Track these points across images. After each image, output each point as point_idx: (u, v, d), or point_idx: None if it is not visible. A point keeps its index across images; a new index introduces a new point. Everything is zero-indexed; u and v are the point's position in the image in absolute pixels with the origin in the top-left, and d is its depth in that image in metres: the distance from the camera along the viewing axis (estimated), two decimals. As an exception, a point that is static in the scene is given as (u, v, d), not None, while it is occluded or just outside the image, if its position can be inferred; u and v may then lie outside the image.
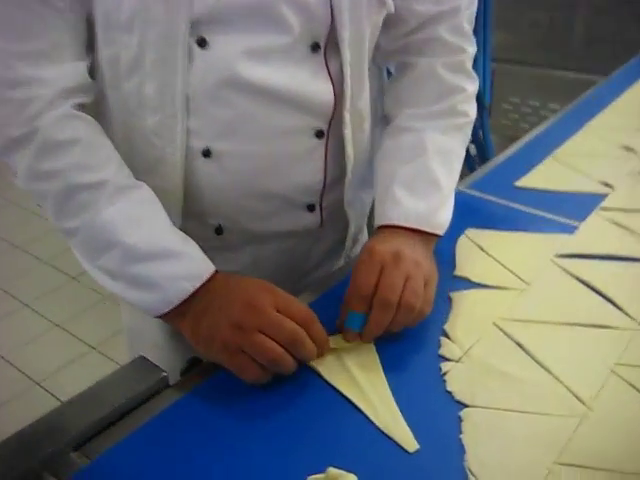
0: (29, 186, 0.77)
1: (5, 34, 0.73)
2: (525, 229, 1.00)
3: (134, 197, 0.77)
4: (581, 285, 0.87)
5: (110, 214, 0.74)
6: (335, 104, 0.84)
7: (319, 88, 0.82)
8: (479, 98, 2.34)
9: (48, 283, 2.73)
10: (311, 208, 0.92)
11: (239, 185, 0.85)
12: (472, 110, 0.96)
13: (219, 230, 0.90)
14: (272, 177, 0.86)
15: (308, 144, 0.86)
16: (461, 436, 0.65)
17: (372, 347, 0.77)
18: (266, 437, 0.66)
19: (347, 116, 0.86)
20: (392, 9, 0.85)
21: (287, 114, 0.82)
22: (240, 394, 0.72)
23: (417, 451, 0.64)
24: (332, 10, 0.77)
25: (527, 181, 1.14)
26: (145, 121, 0.80)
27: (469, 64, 0.94)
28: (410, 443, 0.65)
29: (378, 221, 0.87)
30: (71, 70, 0.76)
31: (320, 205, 0.93)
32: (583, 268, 0.90)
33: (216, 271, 0.76)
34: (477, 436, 0.65)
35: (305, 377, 0.73)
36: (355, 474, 0.60)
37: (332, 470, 0.61)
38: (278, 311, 0.70)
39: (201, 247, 0.80)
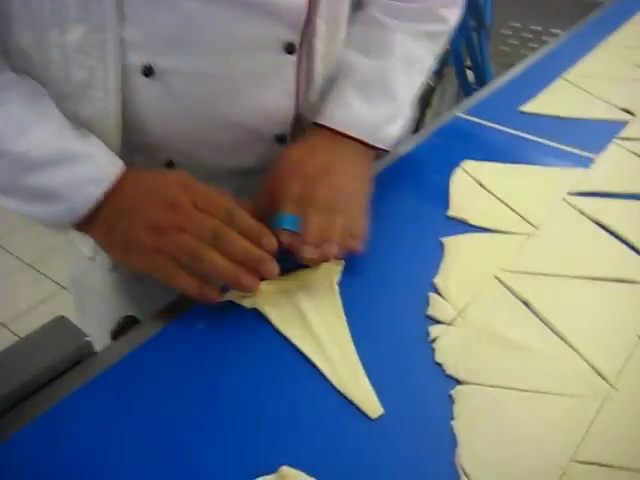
0: None
1: None
2: (532, 162, 0.84)
3: (21, 98, 0.63)
4: (600, 229, 0.72)
5: None
6: (309, 9, 0.67)
7: None
8: (479, 16, 2.16)
9: (18, 220, 2.57)
10: (281, 139, 0.77)
11: (191, 112, 0.69)
12: (452, 18, 0.82)
13: (169, 166, 0.75)
14: (232, 102, 0.70)
15: (276, 61, 0.70)
16: (452, 423, 0.52)
17: (335, 290, 0.64)
18: (208, 418, 0.52)
19: (322, 25, 0.70)
20: None
21: (249, 21, 0.65)
22: (180, 361, 0.58)
23: (395, 442, 0.50)
24: None
25: (534, 106, 0.98)
26: (65, 36, 0.62)
27: None
28: (373, 408, 0.53)
29: (317, 118, 0.74)
30: None
31: (292, 136, 0.77)
32: (602, 209, 0.75)
33: (126, 169, 0.65)
34: (472, 424, 0.51)
35: (255, 332, 0.60)
36: (314, 476, 0.47)
37: (285, 469, 0.47)
38: (198, 209, 0.62)
39: None
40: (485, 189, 0.79)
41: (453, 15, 0.82)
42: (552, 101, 0.99)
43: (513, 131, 0.92)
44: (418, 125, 2.07)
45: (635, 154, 0.85)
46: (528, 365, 0.56)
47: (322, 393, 0.54)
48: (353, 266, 0.67)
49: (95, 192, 0.62)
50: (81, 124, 0.67)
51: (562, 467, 0.48)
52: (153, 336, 0.61)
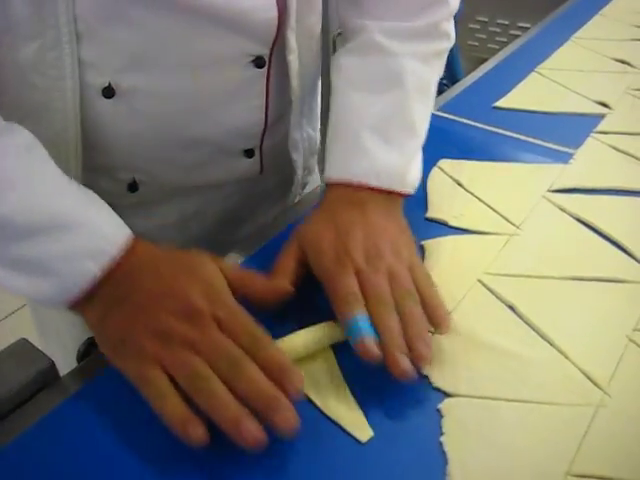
0: None
1: None
2: (510, 158, 0.82)
3: (10, 149, 0.54)
4: (583, 227, 0.70)
5: None
6: (279, 22, 0.63)
7: (258, 1, 0.61)
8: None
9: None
10: (249, 154, 0.73)
11: (155, 132, 0.65)
12: (453, 32, 0.74)
13: (133, 186, 0.70)
14: (199, 120, 0.66)
15: (244, 76, 0.66)
16: (442, 439, 0.49)
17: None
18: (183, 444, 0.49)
19: (292, 38, 0.66)
20: None
21: (215, 36, 0.61)
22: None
23: (385, 462, 0.48)
24: None
25: (509, 101, 0.96)
26: (18, 52, 0.57)
27: None
28: (363, 432, 0.50)
29: (337, 173, 0.65)
30: None
31: (260, 149, 0.74)
32: (583, 205, 0.73)
33: (136, 241, 0.55)
34: (462, 439, 0.49)
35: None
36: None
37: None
38: (219, 326, 0.50)
39: (112, 205, 0.59)
40: (463, 188, 0.76)
41: (452, 28, 0.74)
42: (527, 96, 0.97)
43: (489, 127, 0.90)
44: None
45: (614, 148, 0.84)
46: (517, 374, 0.54)
47: (311, 416, 0.51)
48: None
49: (91, 267, 0.52)
50: (43, 143, 0.60)
51: (558, 482, 0.46)
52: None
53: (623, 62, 1.07)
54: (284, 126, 0.75)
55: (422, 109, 0.69)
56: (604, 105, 0.94)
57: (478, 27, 2.83)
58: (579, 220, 0.71)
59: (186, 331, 0.49)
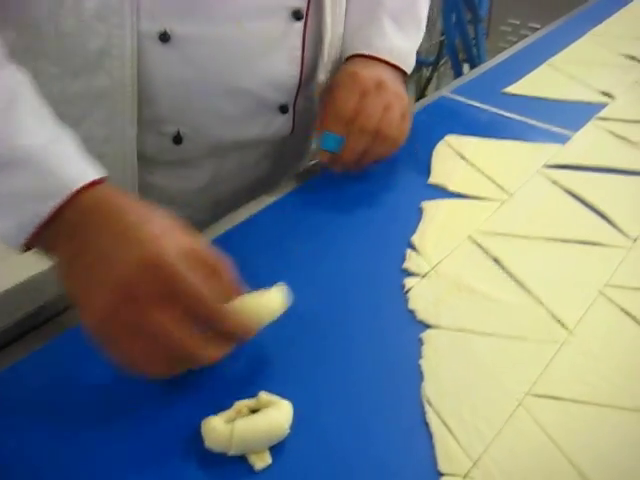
0: None
1: None
2: (513, 138, 0.88)
3: None
4: (571, 198, 0.76)
5: None
6: None
7: None
8: (474, 10, 2.20)
9: None
10: (284, 109, 0.80)
11: (203, 79, 0.72)
12: None
13: (177, 139, 0.76)
14: (242, 68, 0.73)
15: (284, 27, 0.73)
16: (420, 361, 0.56)
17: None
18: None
19: None
20: None
21: None
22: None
23: (366, 378, 0.55)
24: None
25: (517, 88, 1.02)
26: (82, 3, 0.63)
27: None
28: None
29: (359, 47, 0.81)
30: None
31: (294, 106, 0.81)
32: (574, 180, 0.79)
33: (94, 182, 0.52)
34: (438, 361, 0.56)
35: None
36: (290, 400, 0.51)
37: (263, 395, 0.51)
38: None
39: (154, 162, 0.68)
40: (465, 160, 0.83)
41: None
42: (535, 84, 1.03)
43: (496, 110, 0.96)
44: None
45: (611, 132, 0.90)
46: (494, 313, 0.60)
47: (301, 328, 0.58)
48: (337, 224, 0.72)
49: (40, 208, 0.50)
50: (95, 97, 0.68)
51: (518, 399, 0.52)
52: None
53: (632, 58, 1.12)
54: (315, 84, 0.82)
55: (426, 7, 0.87)
56: (608, 95, 1.00)
57: (509, 30, 2.88)
58: (568, 192, 0.77)
59: (130, 313, 0.47)
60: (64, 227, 0.51)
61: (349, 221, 0.73)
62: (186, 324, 0.48)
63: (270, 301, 0.54)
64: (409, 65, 0.83)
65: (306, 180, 0.81)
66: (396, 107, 0.76)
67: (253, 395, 0.51)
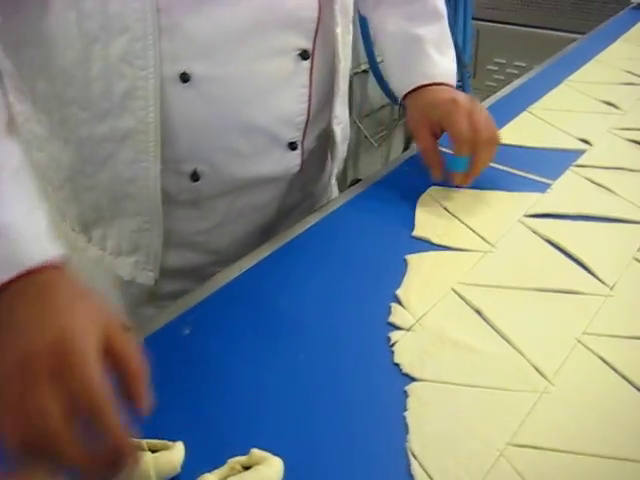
0: None
1: None
2: (495, 188, 0.92)
3: None
4: (550, 247, 0.79)
5: None
6: (319, 16, 0.78)
7: (302, 1, 0.77)
8: (458, 57, 2.26)
9: None
10: (293, 146, 0.85)
11: (220, 116, 0.76)
12: None
13: (195, 176, 0.80)
14: (255, 105, 0.79)
15: (293, 66, 0.79)
16: (405, 414, 0.58)
17: None
18: (182, 414, 0.59)
19: (339, 14, 0.82)
20: None
21: (270, 31, 0.76)
22: (173, 364, 0.64)
23: (354, 428, 0.57)
24: None
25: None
26: (108, 49, 0.70)
27: None
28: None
29: (417, 80, 0.94)
30: None
31: (302, 143, 0.86)
32: (554, 228, 0.82)
33: (48, 263, 0.53)
34: (423, 414, 0.58)
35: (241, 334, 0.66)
36: (281, 457, 0.53)
37: (255, 452, 0.54)
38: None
39: (172, 202, 0.75)
40: (448, 212, 0.86)
41: None
42: (517, 132, 1.07)
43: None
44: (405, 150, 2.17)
45: (589, 180, 0.93)
46: (476, 365, 0.63)
47: (289, 384, 0.61)
48: (323, 277, 0.75)
49: None
50: (120, 138, 0.74)
51: (499, 450, 0.55)
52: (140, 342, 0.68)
53: (609, 104, 1.17)
54: (322, 121, 0.89)
55: (448, 28, 0.99)
56: (586, 142, 1.04)
57: (496, 69, 2.95)
58: (548, 241, 0.80)
59: (18, 385, 0.46)
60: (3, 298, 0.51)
61: (335, 274, 0.76)
62: (69, 413, 0.44)
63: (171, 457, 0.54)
64: (455, 82, 0.96)
65: (292, 236, 0.84)
66: (482, 111, 0.89)
67: (246, 452, 0.54)
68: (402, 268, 0.76)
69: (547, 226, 0.83)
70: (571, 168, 0.97)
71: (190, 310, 0.71)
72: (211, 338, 0.67)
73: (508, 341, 0.66)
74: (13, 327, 0.49)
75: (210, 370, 0.64)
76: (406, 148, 2.21)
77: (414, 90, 0.94)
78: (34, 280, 0.52)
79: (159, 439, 0.55)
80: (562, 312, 0.70)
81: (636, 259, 0.77)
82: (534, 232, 0.82)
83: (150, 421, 0.56)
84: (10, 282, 0.51)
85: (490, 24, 2.88)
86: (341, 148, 0.96)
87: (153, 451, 0.54)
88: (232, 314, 0.70)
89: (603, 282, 0.73)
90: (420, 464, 0.54)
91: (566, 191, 0.91)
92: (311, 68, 0.81)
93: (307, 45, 0.79)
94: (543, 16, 2.83)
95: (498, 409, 0.59)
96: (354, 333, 0.68)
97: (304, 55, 0.79)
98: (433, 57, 0.94)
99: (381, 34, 0.99)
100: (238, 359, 0.64)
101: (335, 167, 0.99)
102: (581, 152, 1.01)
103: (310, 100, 0.83)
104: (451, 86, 0.94)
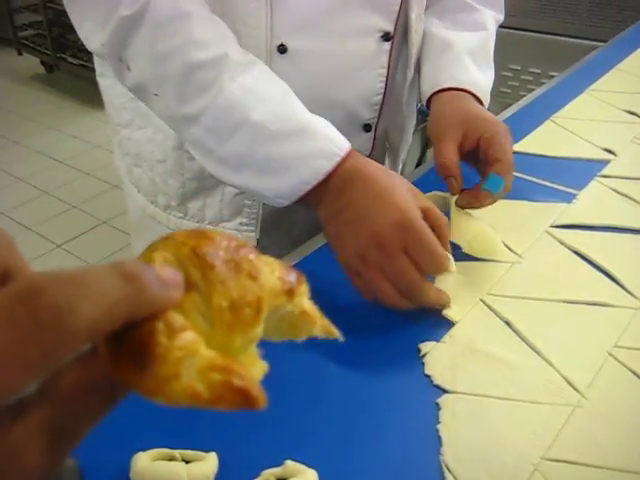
0: (145, 75, 0.73)
1: None
2: (520, 197, 0.91)
3: (256, 73, 0.72)
4: (579, 258, 0.79)
5: (234, 91, 0.69)
6: (401, 6, 0.85)
7: None
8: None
9: (31, 251, 2.67)
10: (367, 128, 0.91)
11: (309, 88, 0.79)
12: None
13: None
14: (340, 81, 0.85)
15: (375, 47, 0.86)
16: (438, 426, 0.58)
17: None
18: (216, 425, 0.59)
19: (414, 3, 0.87)
20: None
21: (359, 11, 0.82)
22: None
23: (388, 444, 0.57)
24: None
25: (523, 146, 1.06)
26: (237, 5, 0.76)
27: None
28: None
29: (446, 82, 0.89)
30: None
31: (375, 127, 0.92)
32: (581, 240, 0.82)
33: (352, 150, 0.71)
34: (455, 426, 0.58)
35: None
36: (315, 469, 0.53)
37: (290, 463, 0.54)
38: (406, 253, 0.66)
39: None
40: (475, 221, 0.86)
41: None
42: (540, 141, 1.07)
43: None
44: (420, 161, 2.16)
45: (614, 190, 0.93)
46: (507, 377, 0.63)
47: (321, 395, 0.61)
48: (353, 287, 0.75)
49: (326, 165, 0.68)
50: None
51: (534, 464, 0.55)
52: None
53: (632, 113, 1.16)
54: (396, 106, 0.95)
55: (492, 47, 0.96)
56: (610, 152, 1.03)
57: (511, 75, 2.95)
58: (576, 252, 0.80)
59: (377, 256, 0.66)
60: (332, 185, 0.69)
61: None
62: (419, 270, 0.66)
63: None
64: (487, 99, 0.91)
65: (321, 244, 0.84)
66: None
67: (280, 464, 0.54)
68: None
69: (574, 237, 0.82)
70: (596, 178, 0.96)
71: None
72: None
73: (539, 353, 0.66)
74: (354, 209, 0.67)
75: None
76: (425, 146, 2.20)
77: (441, 92, 0.89)
78: (351, 167, 0.69)
79: (192, 450, 0.55)
80: (592, 324, 0.70)
81: (665, 271, 0.76)
82: (561, 243, 0.82)
83: (183, 432, 0.57)
84: (336, 169, 0.68)
85: (505, 30, 2.88)
86: (405, 138, 1.02)
87: (187, 462, 0.54)
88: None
89: (632, 294, 0.73)
90: (454, 477, 0.53)
91: (591, 202, 0.90)
92: (390, 50, 0.87)
93: (390, 27, 0.85)
94: (558, 23, 2.83)
95: (531, 422, 0.58)
96: (384, 344, 0.67)
97: (386, 37, 0.85)
98: (466, 63, 0.90)
99: (424, 37, 0.96)
100: (270, 370, 0.64)
101: (400, 160, 1.06)
102: (606, 162, 1.01)
103: (387, 81, 0.88)
104: (481, 102, 0.89)
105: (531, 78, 2.90)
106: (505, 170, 0.80)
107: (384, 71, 0.88)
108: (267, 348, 0.60)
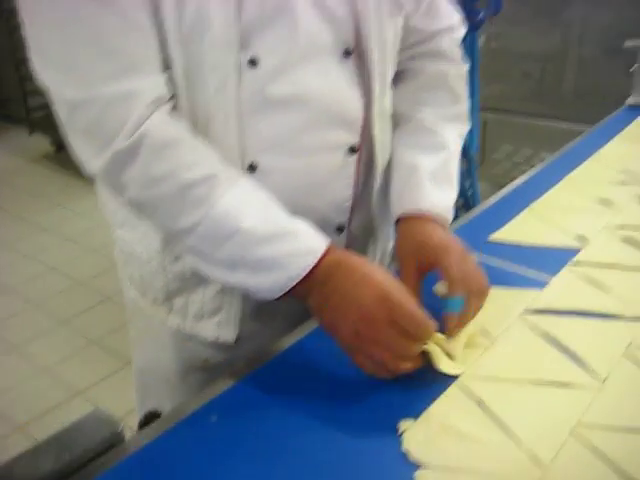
0: (141, 197, 0.80)
1: (98, 55, 0.75)
2: (495, 284, 0.99)
3: (242, 184, 0.80)
4: (548, 342, 0.86)
5: (225, 203, 0.77)
6: (365, 113, 0.92)
7: (352, 95, 0.90)
8: (465, 149, 2.38)
9: (37, 326, 2.73)
10: (340, 229, 0.98)
11: (281, 199, 0.84)
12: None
13: None
14: (311, 193, 0.92)
15: (343, 159, 0.93)
16: (414, 499, 0.64)
17: None
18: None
19: (376, 118, 0.94)
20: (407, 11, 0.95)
21: (326, 130, 0.89)
22: (200, 450, 0.71)
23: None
24: (357, 15, 0.86)
25: (502, 234, 1.14)
26: (212, 127, 0.83)
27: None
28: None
29: (405, 206, 0.95)
30: (160, 80, 0.79)
31: (348, 228, 0.99)
32: (551, 324, 0.89)
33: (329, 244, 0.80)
34: (429, 498, 0.64)
35: (264, 421, 0.72)
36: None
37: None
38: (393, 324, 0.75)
39: None
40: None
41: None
42: (517, 230, 1.15)
43: (482, 257, 1.07)
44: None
45: (585, 276, 1.00)
46: (476, 452, 0.69)
47: (303, 469, 0.67)
48: (338, 368, 0.81)
49: (309, 260, 0.76)
50: None
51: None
52: (173, 428, 0.74)
53: (606, 201, 1.24)
54: (367, 209, 1.02)
55: (455, 170, 1.01)
56: (583, 239, 1.11)
57: (503, 157, 3.07)
58: (546, 335, 0.87)
59: (368, 333, 0.74)
60: (318, 277, 0.77)
61: (350, 373, 0.82)
62: (408, 336, 0.75)
63: None
64: (449, 215, 0.97)
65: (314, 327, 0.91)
66: (473, 260, 0.90)
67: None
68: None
69: (545, 321, 0.90)
70: (568, 265, 1.04)
71: (216, 398, 0.78)
72: (238, 423, 0.74)
73: (507, 431, 0.72)
74: (339, 294, 0.76)
75: (235, 457, 0.70)
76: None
77: (406, 219, 0.95)
78: (332, 259, 0.78)
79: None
80: (557, 404, 0.76)
81: (627, 355, 0.83)
82: (532, 328, 0.89)
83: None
84: (318, 264, 0.77)
85: (498, 115, 3.01)
86: (381, 236, 1.09)
87: None
88: (256, 404, 0.77)
89: (596, 375, 0.80)
90: None
91: (562, 288, 0.98)
92: (358, 161, 0.94)
93: (355, 141, 0.93)
94: (547, 107, 2.97)
95: (497, 495, 0.64)
96: (364, 422, 0.74)
97: (353, 150, 0.93)
98: (426, 187, 0.95)
99: (392, 160, 1.03)
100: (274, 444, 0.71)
101: (378, 253, 1.11)
102: (578, 250, 1.09)
103: (356, 186, 0.96)
104: (443, 220, 0.95)
105: (522, 160, 3.02)
106: (457, 288, 0.84)
107: (352, 181, 0.95)
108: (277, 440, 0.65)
